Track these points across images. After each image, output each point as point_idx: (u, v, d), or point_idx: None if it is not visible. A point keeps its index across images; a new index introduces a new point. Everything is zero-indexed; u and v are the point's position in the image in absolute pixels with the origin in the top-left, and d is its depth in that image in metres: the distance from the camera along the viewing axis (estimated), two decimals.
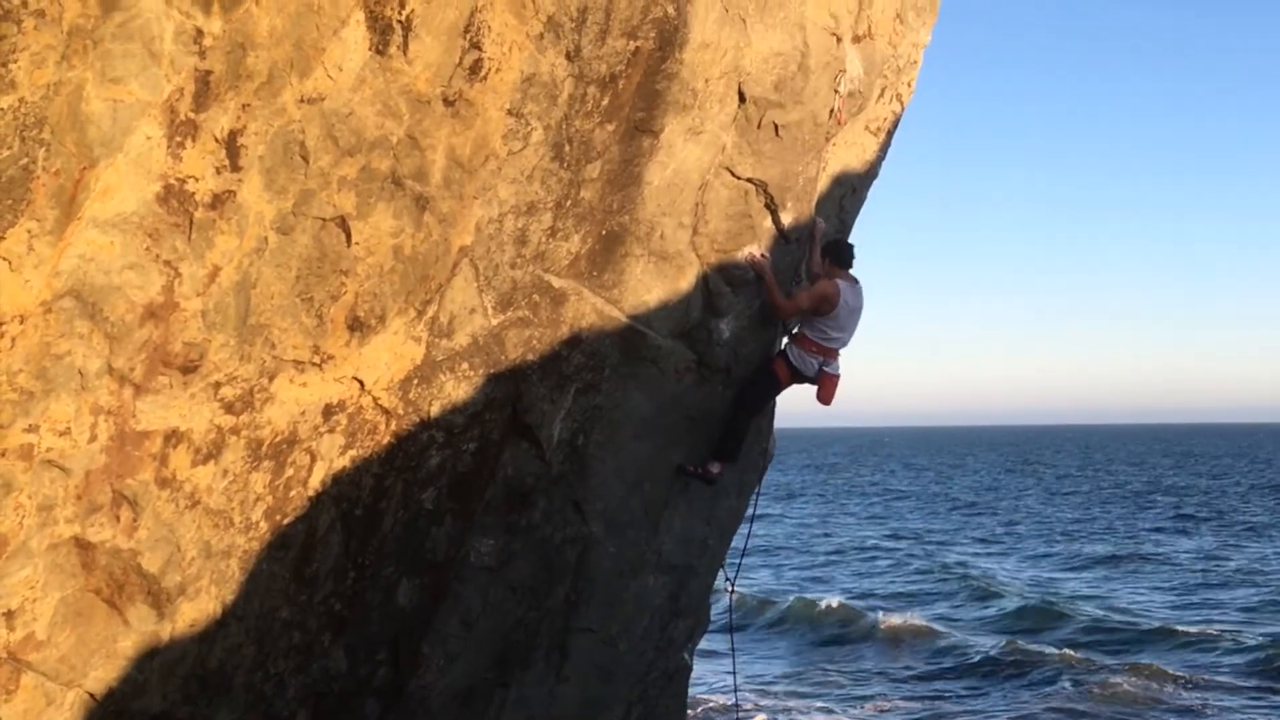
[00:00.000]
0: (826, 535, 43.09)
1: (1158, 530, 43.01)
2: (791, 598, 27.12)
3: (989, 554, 36.85)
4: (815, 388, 8.80)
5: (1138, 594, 28.29)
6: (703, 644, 10.85)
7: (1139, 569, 32.71)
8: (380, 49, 6.01)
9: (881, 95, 9.54)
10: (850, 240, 9.08)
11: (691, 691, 11.19)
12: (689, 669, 10.29)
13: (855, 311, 8.67)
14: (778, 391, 8.98)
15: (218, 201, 5.63)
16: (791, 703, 18.07)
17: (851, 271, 8.77)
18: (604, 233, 7.44)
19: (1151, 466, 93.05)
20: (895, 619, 24.26)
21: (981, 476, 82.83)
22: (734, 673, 13.29)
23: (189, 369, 5.76)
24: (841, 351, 8.81)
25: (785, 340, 8.79)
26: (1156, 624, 23.75)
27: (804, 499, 60.74)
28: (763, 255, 8.35)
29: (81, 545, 5.65)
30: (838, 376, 8.77)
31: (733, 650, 12.62)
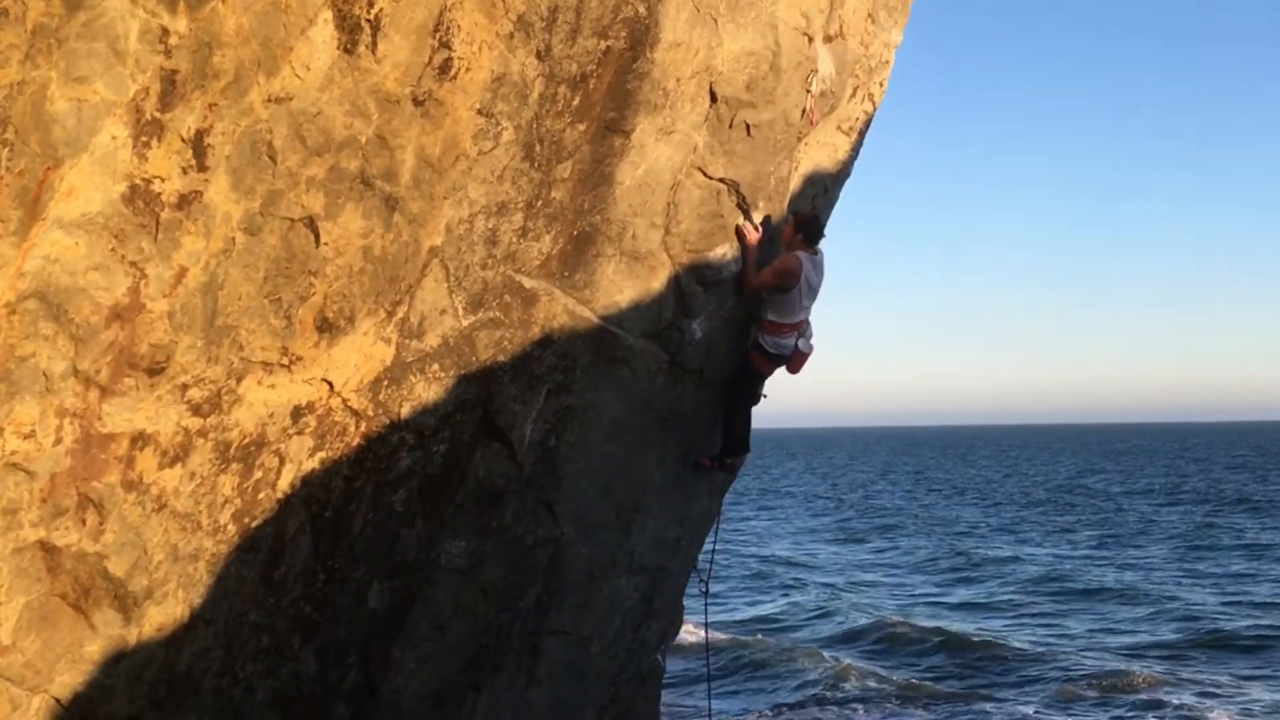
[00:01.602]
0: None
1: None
2: None
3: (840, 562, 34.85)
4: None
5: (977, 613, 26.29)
6: None
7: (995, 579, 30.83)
8: (349, 48, 5.97)
9: (853, 95, 9.55)
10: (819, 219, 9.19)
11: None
12: (662, 670, 10.27)
13: (815, 285, 8.79)
14: (764, 379, 9.12)
15: (184, 202, 5.58)
16: None
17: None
18: (575, 233, 7.41)
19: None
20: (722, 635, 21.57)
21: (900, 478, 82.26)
22: (709, 678, 13.31)
23: (155, 371, 5.71)
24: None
25: (755, 332, 8.80)
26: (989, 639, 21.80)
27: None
28: (757, 228, 8.41)
29: (47, 549, 5.59)
30: (809, 352, 8.93)
31: (707, 650, 12.62)
